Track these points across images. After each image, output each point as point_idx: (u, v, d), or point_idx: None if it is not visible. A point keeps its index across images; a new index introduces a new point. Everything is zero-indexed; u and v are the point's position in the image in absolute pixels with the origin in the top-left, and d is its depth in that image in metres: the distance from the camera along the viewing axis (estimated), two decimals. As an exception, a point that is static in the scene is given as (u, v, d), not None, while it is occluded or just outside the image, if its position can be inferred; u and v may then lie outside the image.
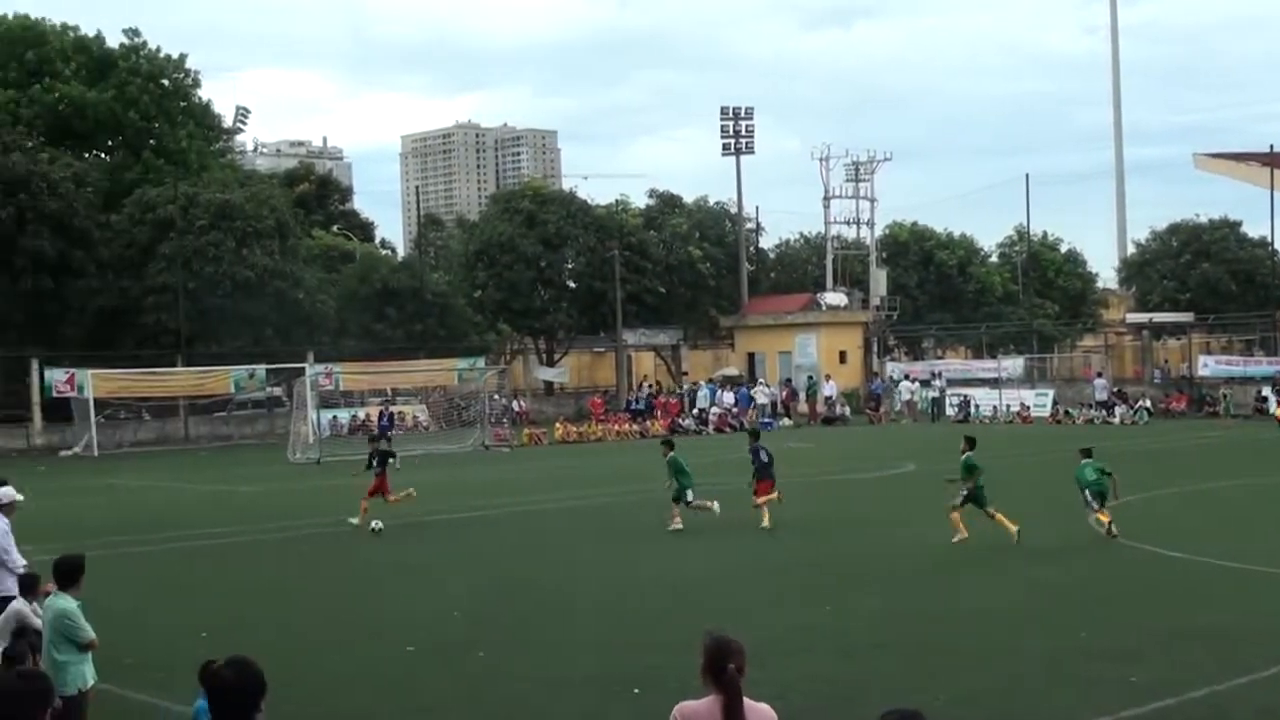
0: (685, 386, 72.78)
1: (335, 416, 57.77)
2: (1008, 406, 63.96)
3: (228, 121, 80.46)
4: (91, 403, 53.93)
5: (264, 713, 5.72)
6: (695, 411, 64.63)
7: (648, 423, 61.00)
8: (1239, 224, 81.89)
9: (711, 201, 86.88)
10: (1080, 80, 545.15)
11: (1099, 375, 67.63)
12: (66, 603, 11.15)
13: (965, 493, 23.32)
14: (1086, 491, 23.74)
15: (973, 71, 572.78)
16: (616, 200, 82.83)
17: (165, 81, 70.72)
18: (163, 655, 15.43)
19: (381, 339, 66.92)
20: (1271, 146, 69.35)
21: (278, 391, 64.70)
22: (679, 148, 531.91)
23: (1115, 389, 64.42)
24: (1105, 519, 23.16)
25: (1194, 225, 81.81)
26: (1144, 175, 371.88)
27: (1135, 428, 55.99)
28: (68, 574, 11.32)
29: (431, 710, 13.09)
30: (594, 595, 19.19)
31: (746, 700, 6.24)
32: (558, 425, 57.88)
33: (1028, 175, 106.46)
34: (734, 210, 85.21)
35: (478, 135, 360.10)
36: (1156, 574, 20.12)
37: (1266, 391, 60.26)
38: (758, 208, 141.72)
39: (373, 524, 26.54)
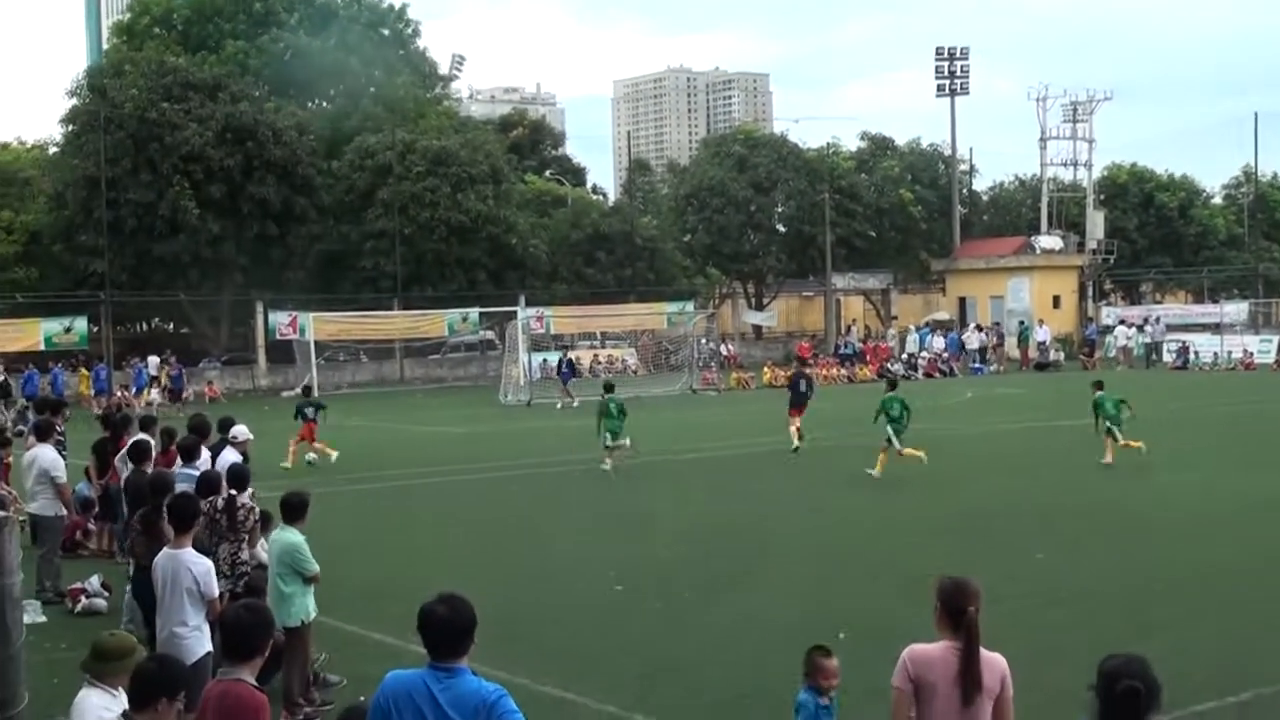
0: (894, 330, 71.95)
1: (546, 360, 58.54)
2: (1229, 353, 61.62)
3: (444, 69, 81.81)
4: (312, 345, 55.30)
5: (476, 644, 5.84)
6: (905, 356, 63.82)
7: (856, 367, 60.44)
8: None
9: (924, 144, 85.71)
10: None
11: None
12: (294, 536, 11.50)
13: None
14: (1108, 422, 26.07)
15: (1197, 5, 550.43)
16: (828, 143, 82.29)
17: (385, 30, 72.12)
18: (377, 589, 15.87)
19: (592, 283, 67.50)
20: None
21: (490, 334, 65.87)
22: (892, 90, 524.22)
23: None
24: (1135, 444, 25.64)
25: None
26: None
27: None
28: (295, 510, 11.69)
29: (638, 648, 13.21)
30: (800, 539, 19.12)
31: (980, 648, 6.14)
32: (765, 369, 57.69)
33: (1256, 114, 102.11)
34: (947, 153, 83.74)
35: (689, 79, 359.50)
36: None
37: None
38: (971, 150, 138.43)
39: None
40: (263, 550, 12.51)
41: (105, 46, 65.60)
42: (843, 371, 59.09)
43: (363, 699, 7.63)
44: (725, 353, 64.95)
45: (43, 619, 14.52)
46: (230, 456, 15.53)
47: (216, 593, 10.18)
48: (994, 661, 6.24)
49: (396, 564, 17.84)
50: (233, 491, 12.63)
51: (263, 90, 64.15)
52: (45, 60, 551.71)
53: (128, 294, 58.69)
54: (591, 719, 11.14)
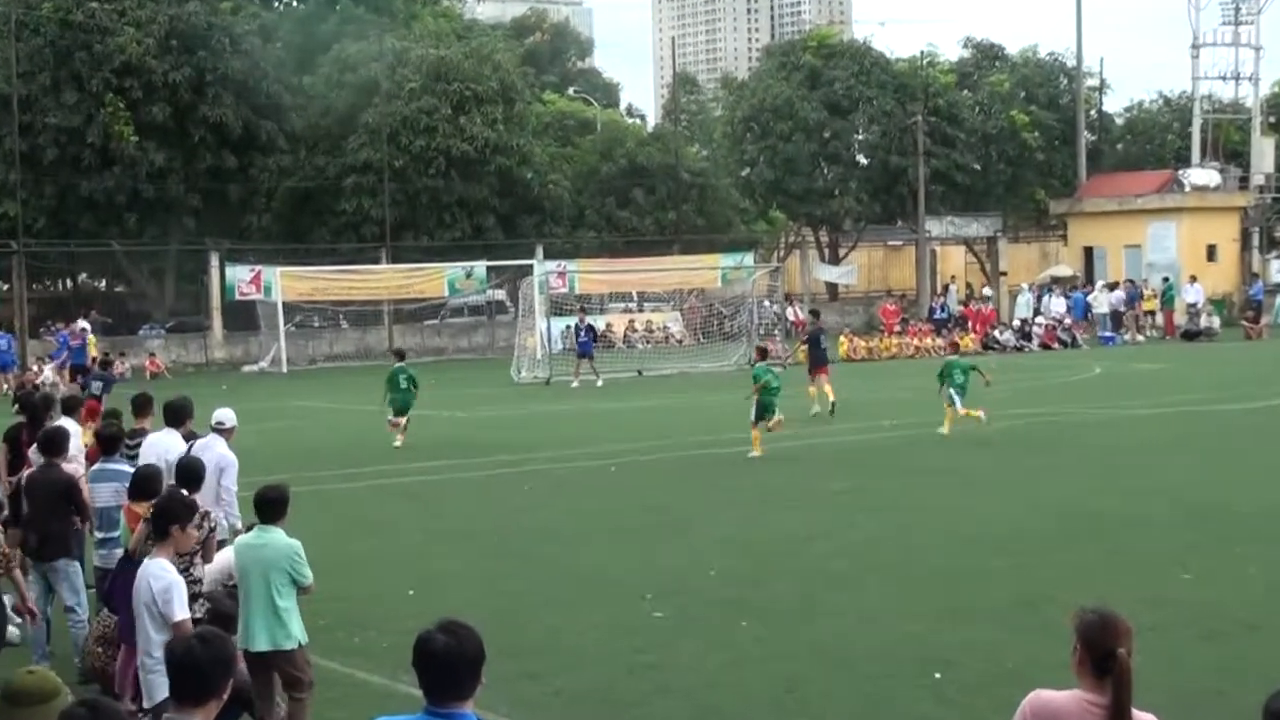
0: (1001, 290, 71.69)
1: (569, 326, 58.64)
2: None
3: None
4: (280, 307, 55.52)
5: (483, 683, 5.89)
6: (1015, 322, 63.55)
7: (956, 336, 60.20)
8: None
9: (1043, 53, 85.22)
10: None
11: None
12: (288, 538, 11.58)
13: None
14: (951, 389, 30.33)
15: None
16: (922, 52, 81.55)
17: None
18: (359, 614, 15.97)
19: (626, 230, 67.52)
20: None
21: (500, 295, 65.95)
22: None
23: None
24: (975, 413, 30.10)
25: None
26: None
27: None
28: (276, 506, 11.74)
29: (684, 690, 13.22)
30: (880, 553, 19.09)
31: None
32: (842, 339, 57.61)
33: None
34: (1071, 64, 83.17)
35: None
36: None
37: None
38: (1102, 60, 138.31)
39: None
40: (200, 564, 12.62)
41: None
42: (939, 341, 58.88)
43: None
44: (792, 318, 64.81)
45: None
46: (218, 449, 15.53)
47: (180, 615, 10.32)
48: None
49: (382, 583, 17.92)
50: (182, 492, 12.69)
51: (217, -13, 64.27)
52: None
53: (46, 243, 59.00)
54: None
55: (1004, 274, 77.11)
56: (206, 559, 12.67)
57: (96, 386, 34.67)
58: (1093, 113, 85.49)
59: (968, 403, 30.42)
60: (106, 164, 57.77)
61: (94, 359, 52.27)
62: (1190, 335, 63.32)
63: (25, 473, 15.97)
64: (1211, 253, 72.42)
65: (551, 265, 58.37)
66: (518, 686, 12.93)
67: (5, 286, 56.56)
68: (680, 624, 15.47)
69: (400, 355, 34.87)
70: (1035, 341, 60.14)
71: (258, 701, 11.12)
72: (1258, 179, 75.62)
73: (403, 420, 31.43)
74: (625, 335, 62.68)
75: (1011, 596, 16.09)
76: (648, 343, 59.22)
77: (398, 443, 30.80)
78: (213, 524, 12.84)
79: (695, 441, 30.61)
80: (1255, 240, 74.60)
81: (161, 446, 15.73)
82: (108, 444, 15.36)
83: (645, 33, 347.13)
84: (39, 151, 57.37)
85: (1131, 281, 67.93)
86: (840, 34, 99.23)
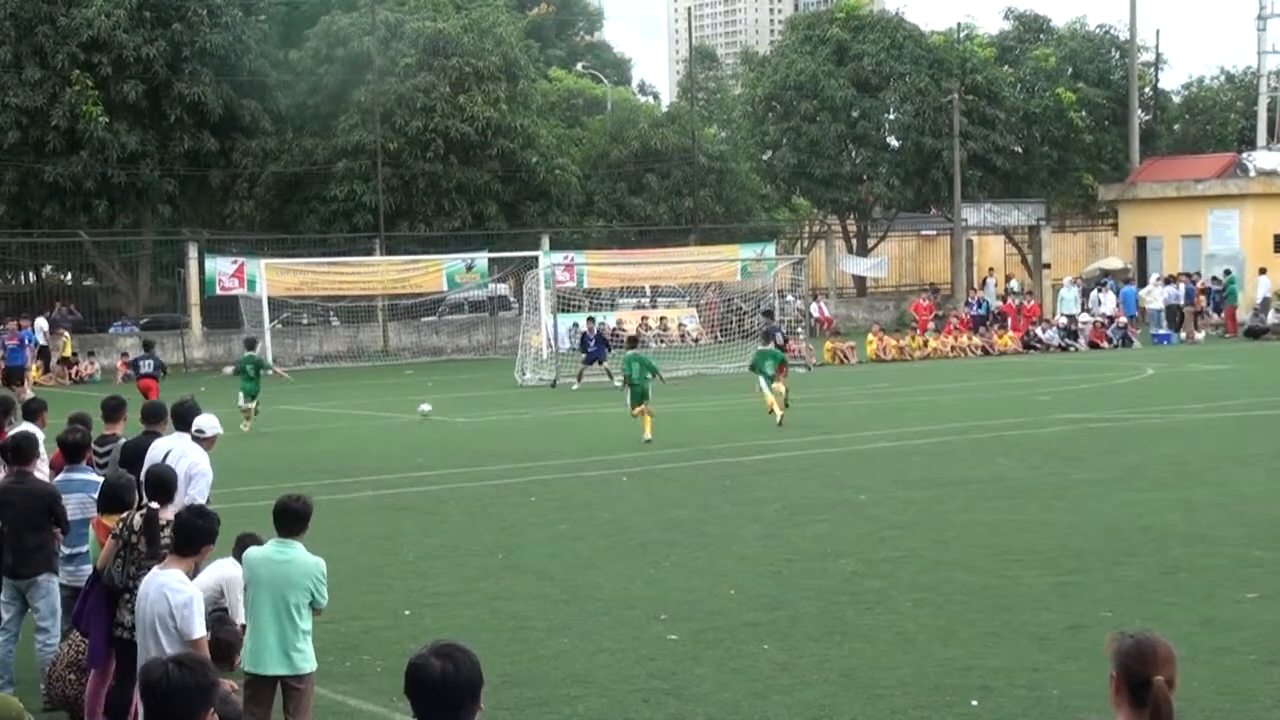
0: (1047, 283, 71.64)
1: (577, 324, 58.64)
2: None
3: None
4: (265, 303, 55.56)
5: (483, 710, 5.92)
6: (1060, 319, 63.44)
7: (995, 334, 60.18)
8: None
9: (1092, 25, 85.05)
10: None
11: None
12: (309, 555, 11.59)
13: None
14: (761, 378, 33.88)
15: None
16: (959, 24, 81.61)
17: None
18: (350, 637, 16.03)
19: (639, 218, 67.60)
20: None
21: (503, 289, 66.01)
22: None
23: None
24: (772, 403, 33.32)
25: None
26: None
27: None
28: (298, 519, 11.71)
29: (699, 720, 13.30)
30: (913, 571, 19.10)
31: None
32: (871, 337, 57.55)
33: None
34: (1123, 37, 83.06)
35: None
36: None
37: None
38: (1158, 33, 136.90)
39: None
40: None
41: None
42: (976, 339, 58.87)
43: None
44: (817, 314, 64.83)
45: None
46: (192, 456, 15.41)
47: (200, 633, 10.37)
48: None
49: (376, 603, 17.96)
50: (153, 505, 12.53)
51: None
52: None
53: (8, 232, 59.13)
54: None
55: (1047, 266, 77.07)
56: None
57: (147, 365, 39.16)
58: (1147, 90, 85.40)
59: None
60: (73, 147, 57.81)
61: (64, 359, 52.61)
62: (1255, 333, 63.05)
63: None
64: (1279, 243, 72.23)
65: (558, 257, 58.46)
66: (523, 715, 12.97)
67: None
68: (698, 648, 15.49)
69: (251, 344, 39.84)
70: (1082, 340, 60.05)
71: None
72: (1328, 162, 75.44)
73: (252, 405, 36.06)
74: (637, 333, 62.50)
75: (1057, 618, 16.08)
76: (661, 341, 59.12)
77: (245, 427, 34.80)
78: None
79: (713, 449, 30.59)
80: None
81: (177, 453, 15.48)
82: (73, 452, 15.06)
83: (659, 4, 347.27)
84: (-2, 134, 57.47)
85: (1188, 275, 67.86)
86: (870, 4, 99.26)
